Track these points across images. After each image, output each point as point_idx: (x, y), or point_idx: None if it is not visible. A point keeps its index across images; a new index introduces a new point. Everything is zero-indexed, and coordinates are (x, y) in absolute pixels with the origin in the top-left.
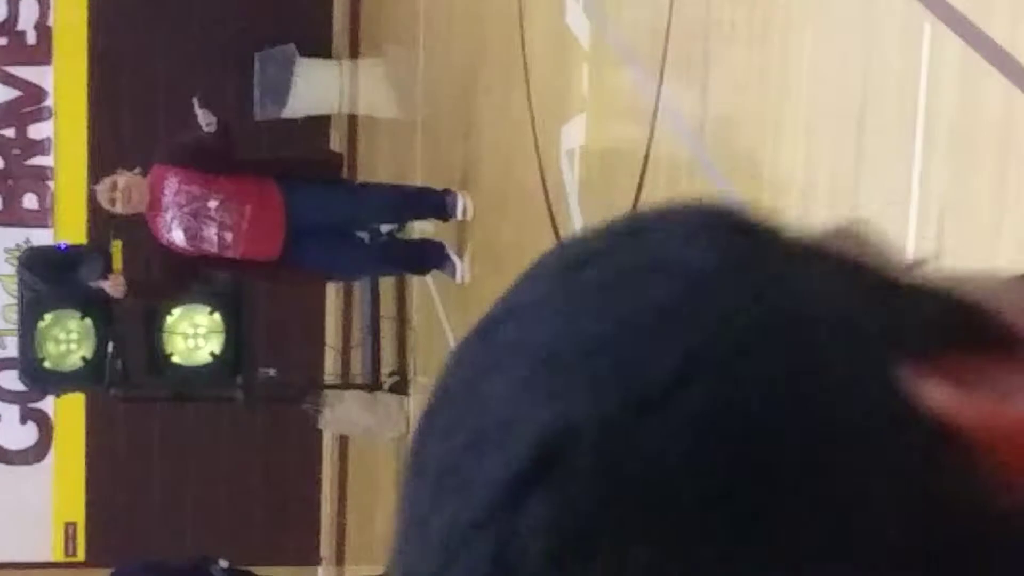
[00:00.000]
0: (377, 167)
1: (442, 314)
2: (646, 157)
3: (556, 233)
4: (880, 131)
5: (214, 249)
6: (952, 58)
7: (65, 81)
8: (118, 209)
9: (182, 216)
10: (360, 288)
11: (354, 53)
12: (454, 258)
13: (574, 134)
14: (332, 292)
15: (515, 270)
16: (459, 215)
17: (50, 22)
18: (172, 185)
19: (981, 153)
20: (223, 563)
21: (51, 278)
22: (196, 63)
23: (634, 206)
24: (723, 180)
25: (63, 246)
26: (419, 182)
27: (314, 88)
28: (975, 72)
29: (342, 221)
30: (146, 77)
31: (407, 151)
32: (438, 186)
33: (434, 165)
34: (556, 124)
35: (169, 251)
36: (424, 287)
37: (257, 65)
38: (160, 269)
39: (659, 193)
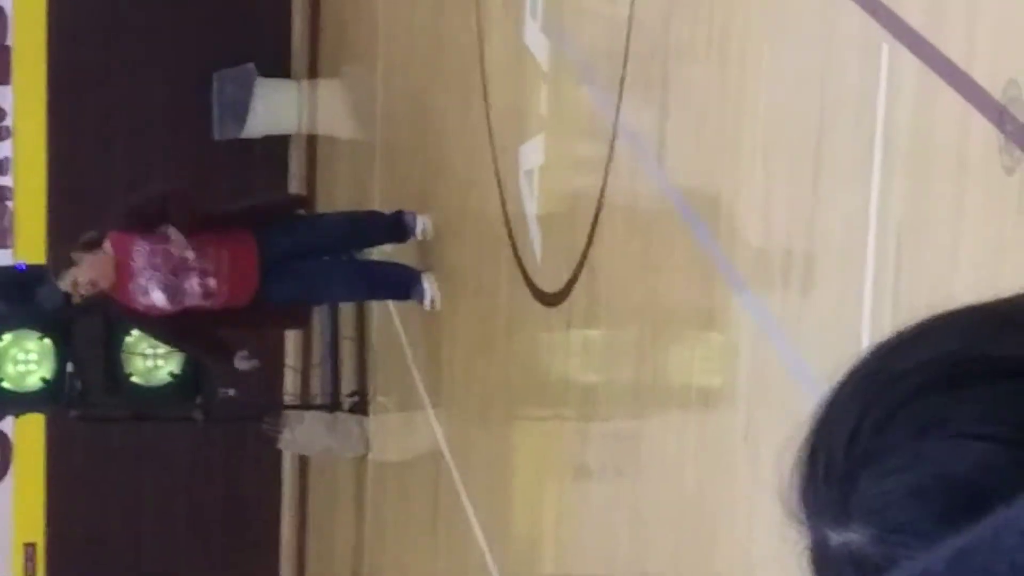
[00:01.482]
0: (336, 187)
1: (402, 335)
2: (605, 177)
3: (515, 252)
4: (838, 151)
5: (196, 301)
6: (909, 77)
7: (24, 101)
8: (85, 294)
9: (161, 276)
10: (319, 309)
11: (313, 73)
12: (425, 285)
13: (533, 154)
14: (292, 344)
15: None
16: (418, 235)
17: (9, 42)
18: (142, 249)
19: (938, 172)
20: None
21: (10, 298)
22: (155, 83)
23: (593, 226)
24: (682, 200)
25: (22, 266)
26: (377, 203)
27: (273, 108)
28: (932, 91)
29: (309, 251)
30: (106, 97)
31: (366, 171)
32: (397, 206)
33: (392, 185)
34: (515, 144)
35: (157, 319)
36: (384, 308)
37: (216, 84)
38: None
39: (618, 213)
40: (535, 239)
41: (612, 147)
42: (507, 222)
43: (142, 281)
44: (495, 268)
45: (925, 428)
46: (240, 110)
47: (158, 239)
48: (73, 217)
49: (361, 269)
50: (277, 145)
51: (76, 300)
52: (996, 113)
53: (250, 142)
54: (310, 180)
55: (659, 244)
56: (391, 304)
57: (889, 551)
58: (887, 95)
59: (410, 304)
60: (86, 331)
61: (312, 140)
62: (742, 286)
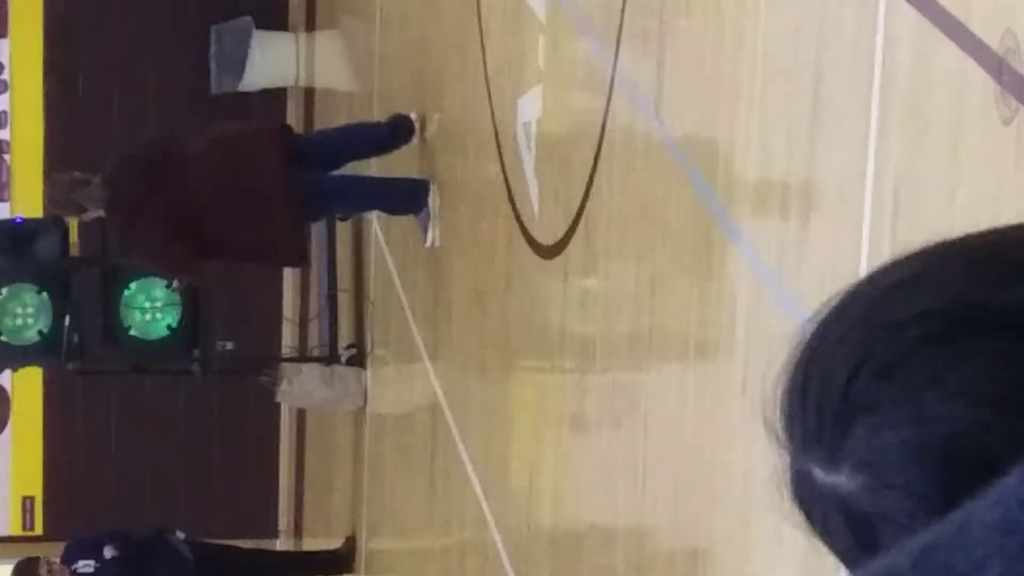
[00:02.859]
0: None
1: (399, 288)
2: (603, 128)
3: (513, 205)
4: (836, 101)
5: None
6: (906, 27)
7: (21, 54)
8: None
9: None
10: (317, 261)
11: (310, 26)
12: (431, 207)
13: (531, 106)
14: None
15: (471, 242)
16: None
17: None
18: None
19: (935, 122)
20: (180, 534)
21: (7, 252)
22: (152, 37)
23: (591, 178)
24: (680, 151)
25: (19, 219)
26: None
27: (270, 61)
28: (929, 41)
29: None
30: (102, 50)
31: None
32: (394, 160)
33: None
34: (512, 96)
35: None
36: (382, 261)
37: (213, 38)
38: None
39: (616, 164)
40: (532, 191)
41: (609, 98)
42: (504, 174)
43: None
44: (492, 220)
45: (926, 384)
46: (237, 63)
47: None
48: (70, 170)
49: (371, 179)
50: (275, 98)
51: (80, 216)
52: (993, 63)
53: (247, 95)
54: (307, 131)
55: (656, 195)
56: (388, 257)
57: (881, 504)
58: (884, 45)
59: (407, 258)
60: (84, 284)
61: (310, 92)
62: (740, 236)
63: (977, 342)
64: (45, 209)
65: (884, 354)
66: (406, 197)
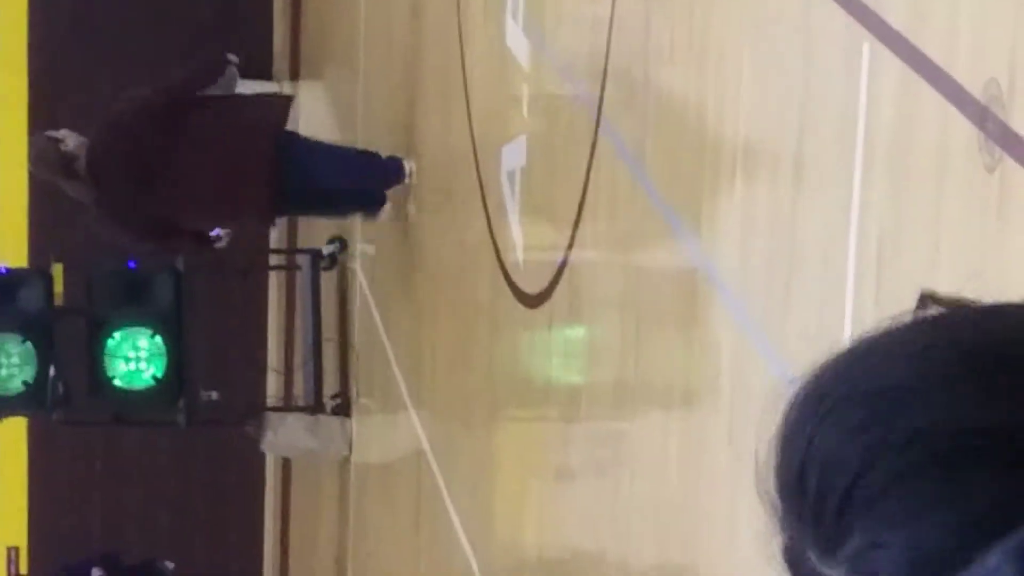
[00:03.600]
0: None
1: (384, 336)
2: (587, 178)
3: (497, 253)
4: (819, 151)
5: None
6: (890, 76)
7: (3, 102)
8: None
9: None
10: (302, 309)
11: (295, 75)
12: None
13: (515, 155)
14: (274, 313)
15: (455, 291)
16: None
17: None
18: None
19: (919, 171)
20: (170, 564)
21: None
22: (138, 84)
23: (575, 227)
24: (664, 202)
25: (3, 269)
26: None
27: None
28: (913, 90)
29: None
30: (88, 99)
31: None
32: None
33: None
34: (497, 145)
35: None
36: (366, 309)
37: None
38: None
39: (600, 214)
40: (517, 240)
41: (593, 148)
42: (489, 223)
43: None
44: (477, 269)
45: (925, 508)
46: None
47: None
48: (54, 222)
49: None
50: None
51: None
52: (977, 112)
53: None
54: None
55: (641, 245)
56: (372, 304)
57: None
58: (868, 94)
59: (392, 303)
60: (68, 334)
61: None
62: (724, 287)
63: (979, 470)
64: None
65: (887, 468)
66: (380, 175)
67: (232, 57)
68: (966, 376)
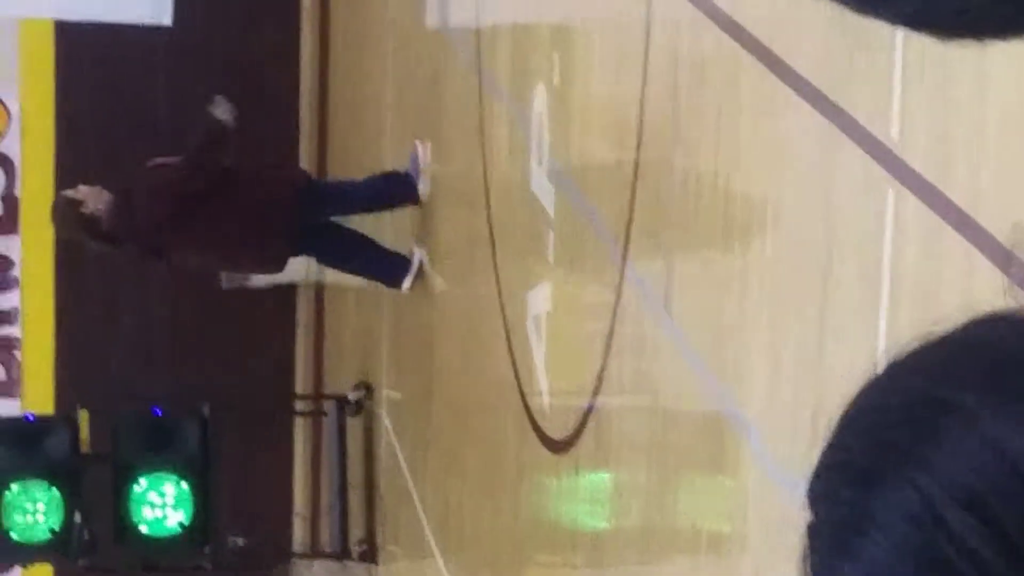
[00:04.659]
0: (343, 332)
1: (410, 481)
2: (612, 323)
3: (523, 399)
4: (845, 295)
5: None
6: (914, 220)
7: (32, 251)
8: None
9: None
10: (328, 454)
11: None
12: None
13: (540, 300)
14: (300, 459)
15: (482, 437)
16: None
17: (17, 192)
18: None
19: (944, 315)
20: None
21: (18, 448)
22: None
23: (601, 372)
24: (689, 347)
25: (30, 417)
26: (385, 348)
27: None
28: (937, 234)
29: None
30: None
31: (375, 315)
32: (406, 352)
33: (400, 331)
34: (522, 290)
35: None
36: (392, 454)
37: None
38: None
39: (626, 359)
40: (543, 385)
41: (619, 293)
42: (515, 368)
43: None
44: (503, 414)
45: None
46: None
47: None
48: (80, 369)
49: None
50: (284, 294)
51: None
52: (1001, 256)
53: (258, 291)
54: (318, 329)
55: (667, 390)
56: (398, 449)
57: None
58: (893, 238)
59: (418, 448)
60: (94, 480)
61: (320, 289)
62: (750, 431)
63: None
64: (56, 406)
65: None
66: (394, 190)
67: (218, 102)
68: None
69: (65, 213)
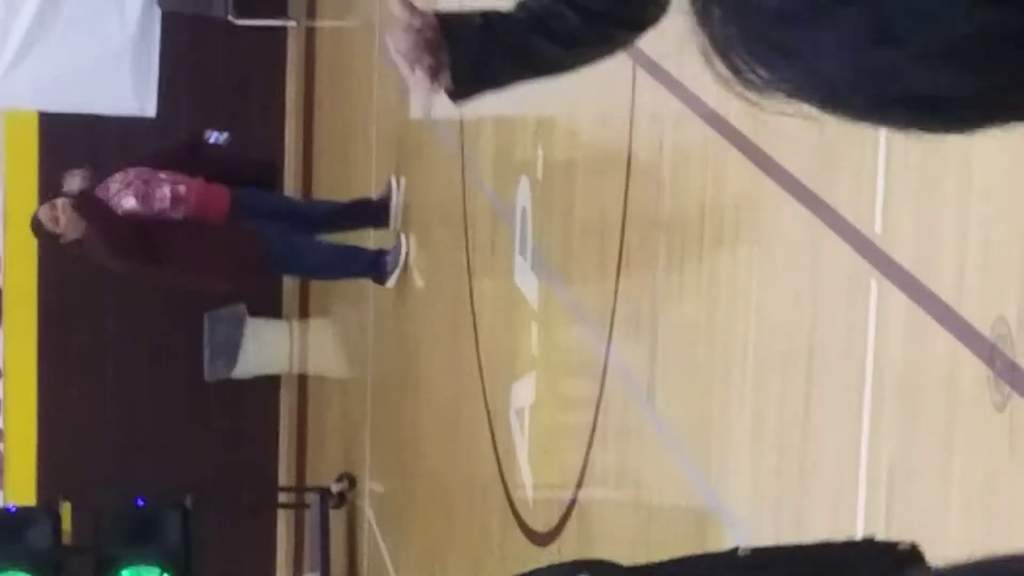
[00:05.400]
0: (327, 426)
1: (389, 564)
2: (596, 414)
3: (506, 491)
4: (828, 387)
5: (166, 204)
6: (898, 314)
7: (15, 343)
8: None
9: (134, 184)
10: (310, 547)
11: (304, 313)
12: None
13: (524, 392)
14: (282, 551)
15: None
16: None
17: (0, 283)
18: (116, 179)
19: (928, 408)
20: None
21: None
22: (146, 323)
23: (584, 464)
24: (673, 436)
25: (11, 508)
26: (368, 441)
27: (264, 348)
28: (921, 327)
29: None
30: (96, 338)
31: (358, 409)
32: (389, 451)
33: (385, 422)
34: (506, 382)
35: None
36: (375, 545)
37: (207, 325)
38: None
39: (610, 450)
40: (526, 478)
41: (603, 385)
42: (498, 461)
43: (116, 197)
44: (487, 507)
45: None
46: (231, 350)
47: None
48: (62, 459)
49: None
50: (268, 384)
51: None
52: (986, 350)
53: (241, 381)
54: (301, 419)
55: (650, 482)
56: (381, 540)
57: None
58: (876, 330)
59: (401, 540)
60: (76, 572)
61: (303, 379)
62: (734, 521)
63: None
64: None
65: None
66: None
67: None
68: None
69: (40, 230)
